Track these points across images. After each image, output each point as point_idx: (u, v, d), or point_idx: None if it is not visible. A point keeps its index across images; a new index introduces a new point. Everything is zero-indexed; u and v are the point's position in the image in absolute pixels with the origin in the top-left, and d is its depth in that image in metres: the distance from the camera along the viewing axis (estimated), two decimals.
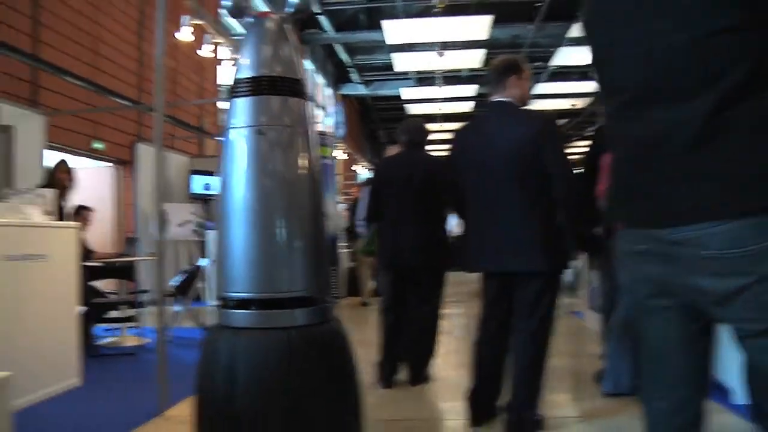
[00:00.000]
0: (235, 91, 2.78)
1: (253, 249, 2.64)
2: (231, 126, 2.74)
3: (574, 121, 22.66)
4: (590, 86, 17.69)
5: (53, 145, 7.26)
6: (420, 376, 4.26)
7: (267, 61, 2.75)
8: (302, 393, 2.52)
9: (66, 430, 3.46)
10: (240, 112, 2.71)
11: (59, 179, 5.58)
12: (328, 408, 2.58)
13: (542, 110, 4.09)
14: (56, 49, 7.61)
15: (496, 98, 3.32)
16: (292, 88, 2.75)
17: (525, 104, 3.37)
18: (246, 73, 2.73)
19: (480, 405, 3.34)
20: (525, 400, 3.16)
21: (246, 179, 2.67)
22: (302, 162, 2.74)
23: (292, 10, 2.88)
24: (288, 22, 2.87)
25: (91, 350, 5.30)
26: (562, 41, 14.82)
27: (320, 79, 18.94)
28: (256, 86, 2.70)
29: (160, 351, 3.69)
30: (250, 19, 2.90)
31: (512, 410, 3.17)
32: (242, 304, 2.65)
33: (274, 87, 2.71)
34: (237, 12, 2.94)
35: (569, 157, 3.41)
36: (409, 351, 4.29)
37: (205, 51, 9.76)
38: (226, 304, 2.72)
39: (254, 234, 2.65)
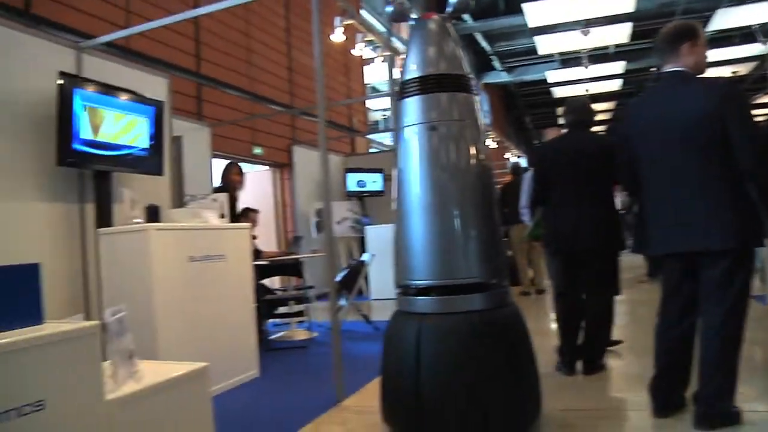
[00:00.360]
0: (404, 91, 2.96)
1: (432, 239, 2.85)
2: (404, 125, 2.96)
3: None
4: (754, 49, 16.15)
5: (218, 153, 7.76)
6: (595, 365, 4.06)
7: (433, 61, 2.92)
8: (482, 372, 2.70)
9: (252, 417, 3.67)
10: (411, 111, 2.93)
11: (232, 180, 5.92)
12: (506, 386, 2.74)
13: (720, 77, 3.79)
14: (215, 64, 8.12)
15: (669, 68, 3.07)
16: (458, 83, 2.91)
17: (701, 73, 3.08)
18: (414, 74, 2.93)
19: (664, 395, 3.12)
20: (715, 391, 2.87)
21: (421, 174, 2.89)
22: (473, 154, 2.91)
23: (451, 9, 3.02)
24: (449, 21, 3.03)
25: (264, 344, 5.59)
26: (720, 2, 13.61)
27: None
28: (425, 85, 2.89)
29: (335, 343, 3.81)
30: (412, 22, 3.06)
31: (700, 402, 2.92)
32: (423, 291, 2.88)
33: (441, 84, 2.88)
34: (399, 16, 3.14)
35: (757, 124, 3.09)
36: (583, 340, 4.11)
37: (357, 50, 10.01)
38: (408, 291, 2.96)
39: (432, 225, 2.86)
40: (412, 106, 2.94)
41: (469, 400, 2.69)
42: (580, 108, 4.19)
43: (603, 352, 4.13)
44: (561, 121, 4.22)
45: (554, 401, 3.43)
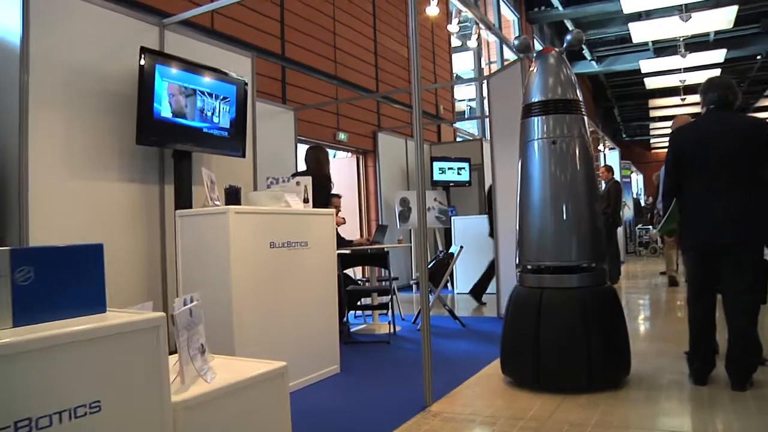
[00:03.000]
0: (529, 112, 3.90)
1: (548, 229, 3.76)
2: (529, 139, 3.91)
3: None
4: None
5: (302, 138, 7.57)
6: (744, 379, 3.49)
7: (552, 88, 3.82)
8: (587, 333, 3.57)
9: (333, 420, 3.37)
10: (535, 128, 3.87)
11: (317, 158, 5.63)
12: (604, 344, 3.60)
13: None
14: (300, 48, 7.92)
15: None
16: (571, 106, 3.81)
17: None
18: (537, 98, 3.86)
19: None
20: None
21: (542, 178, 3.81)
22: (581, 162, 3.79)
23: (566, 45, 3.90)
24: (563, 53, 3.92)
25: (344, 337, 5.33)
26: None
27: None
28: (546, 108, 3.82)
29: (425, 343, 3.47)
30: (534, 54, 4.02)
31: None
32: (541, 269, 3.81)
33: (558, 107, 3.79)
34: (524, 48, 4.17)
35: None
36: (730, 349, 3.54)
37: (453, 26, 9.68)
38: (528, 269, 3.88)
39: (549, 217, 3.77)
40: (536, 124, 3.86)
41: (577, 353, 3.57)
42: (725, 85, 3.64)
43: (754, 366, 3.53)
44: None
45: (667, 420, 2.97)
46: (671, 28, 14.35)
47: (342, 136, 8.66)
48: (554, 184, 3.74)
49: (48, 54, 3.76)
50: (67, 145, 3.86)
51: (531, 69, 3.95)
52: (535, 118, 3.83)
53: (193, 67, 4.40)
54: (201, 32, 5.76)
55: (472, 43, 14.11)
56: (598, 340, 3.54)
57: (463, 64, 14.93)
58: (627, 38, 15.97)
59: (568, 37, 3.85)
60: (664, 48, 17.18)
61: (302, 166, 5.97)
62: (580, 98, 3.85)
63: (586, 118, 3.86)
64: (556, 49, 3.89)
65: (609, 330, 3.64)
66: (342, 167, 9.36)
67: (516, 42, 4.13)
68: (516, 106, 6.16)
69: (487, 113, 7.09)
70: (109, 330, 1.58)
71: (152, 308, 2.31)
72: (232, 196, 3.72)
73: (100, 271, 1.76)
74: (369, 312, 6.42)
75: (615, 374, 3.69)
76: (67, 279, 1.64)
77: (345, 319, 5.74)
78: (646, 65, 18.04)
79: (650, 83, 19.90)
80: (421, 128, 3.51)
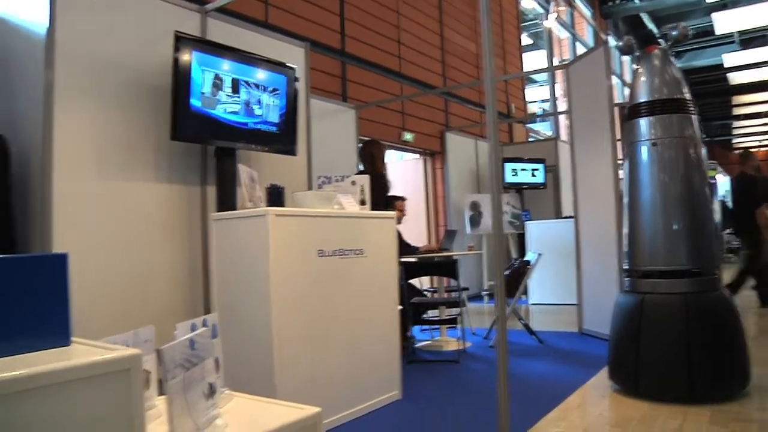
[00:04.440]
0: (635, 113, 3.77)
1: (656, 232, 3.62)
2: (635, 140, 3.77)
3: None
4: None
5: (364, 138, 7.09)
6: None
7: (657, 88, 3.72)
8: (691, 341, 3.40)
9: None
10: (641, 129, 3.74)
11: (369, 154, 5.11)
12: (711, 355, 3.40)
13: None
14: (362, 42, 7.47)
15: None
16: (679, 105, 3.67)
17: None
18: (643, 98, 3.75)
19: None
20: None
21: (650, 181, 3.68)
22: (691, 164, 3.63)
23: (671, 41, 3.84)
24: (670, 50, 3.86)
25: (407, 354, 4.79)
26: None
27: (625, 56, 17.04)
28: (653, 108, 3.71)
29: (501, 369, 2.86)
30: (637, 53, 4.01)
31: None
32: (647, 274, 3.65)
33: (665, 107, 3.67)
34: (627, 49, 4.08)
35: None
36: None
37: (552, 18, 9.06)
38: (633, 274, 3.74)
39: (656, 222, 3.63)
40: (643, 125, 3.74)
41: (676, 362, 3.41)
42: None
43: None
44: None
45: None
46: (760, 16, 13.22)
47: (407, 136, 8.14)
48: (663, 186, 3.65)
49: (75, 45, 3.40)
50: (96, 142, 3.47)
51: (636, 69, 3.92)
52: (642, 120, 3.75)
53: (236, 54, 3.96)
54: (255, 26, 5.36)
55: (550, 22, 13.35)
56: (701, 349, 3.40)
57: (533, 64, 14.27)
58: (709, 30, 14.85)
59: (674, 32, 3.80)
60: (751, 39, 15.93)
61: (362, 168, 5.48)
62: (688, 96, 3.73)
63: (694, 117, 3.72)
64: (661, 47, 3.89)
65: (716, 338, 3.45)
66: (407, 169, 8.85)
67: (619, 43, 4.19)
68: (598, 98, 5.55)
69: (562, 111, 6.43)
70: (60, 375, 1.09)
71: (153, 334, 1.83)
72: (275, 196, 3.22)
73: (64, 290, 1.27)
74: (436, 326, 5.86)
75: (724, 386, 3.46)
76: (16, 300, 1.18)
77: (409, 333, 5.20)
78: (731, 59, 16.77)
79: (735, 78, 18.55)
80: (496, 125, 2.92)
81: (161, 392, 1.60)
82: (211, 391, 1.72)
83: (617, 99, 10.34)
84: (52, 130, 3.25)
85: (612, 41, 15.25)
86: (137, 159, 3.66)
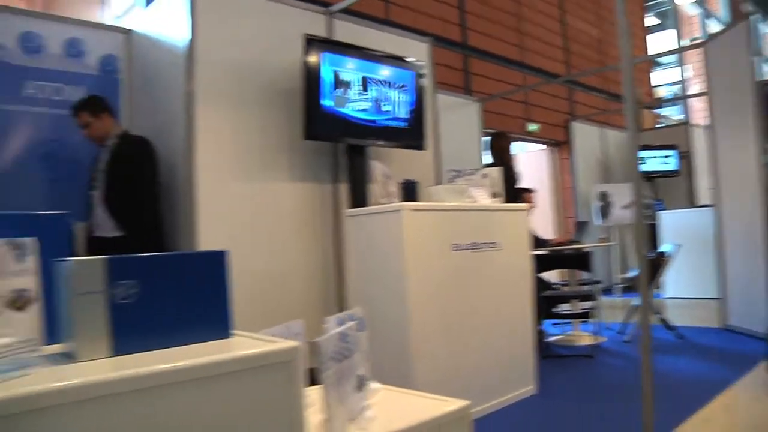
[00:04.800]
0: None
1: None
2: None
3: None
4: None
5: (488, 131, 7.02)
6: None
7: None
8: None
9: None
10: None
11: (498, 146, 5.04)
12: None
13: None
14: (482, 34, 7.39)
15: None
16: None
17: None
18: None
19: None
20: None
21: None
22: None
23: None
24: None
25: (541, 349, 4.69)
26: None
27: None
28: None
29: (645, 365, 2.74)
30: None
31: None
32: None
33: None
34: None
35: None
36: None
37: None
38: None
39: None
40: None
41: None
42: None
43: None
44: None
45: None
46: None
47: (532, 126, 7.97)
48: None
49: (213, 54, 3.61)
50: (234, 145, 3.66)
51: None
52: None
53: (363, 53, 4.04)
54: (376, 23, 5.44)
55: None
56: None
57: (658, 46, 13.53)
58: None
59: None
60: None
61: (489, 161, 5.43)
62: None
63: None
64: None
65: None
66: (532, 161, 8.67)
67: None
68: (741, 78, 5.16)
69: (696, 93, 6.04)
70: (224, 366, 1.15)
71: (302, 328, 1.91)
72: (409, 191, 3.27)
73: (223, 284, 1.36)
74: (567, 320, 5.70)
75: None
76: (181, 295, 1.26)
77: (540, 327, 5.10)
78: None
79: None
80: (635, 111, 2.80)
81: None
82: (361, 383, 1.77)
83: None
84: (195, 136, 3.46)
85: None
86: (272, 160, 3.82)
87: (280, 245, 3.76)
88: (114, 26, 4.61)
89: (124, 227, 3.45)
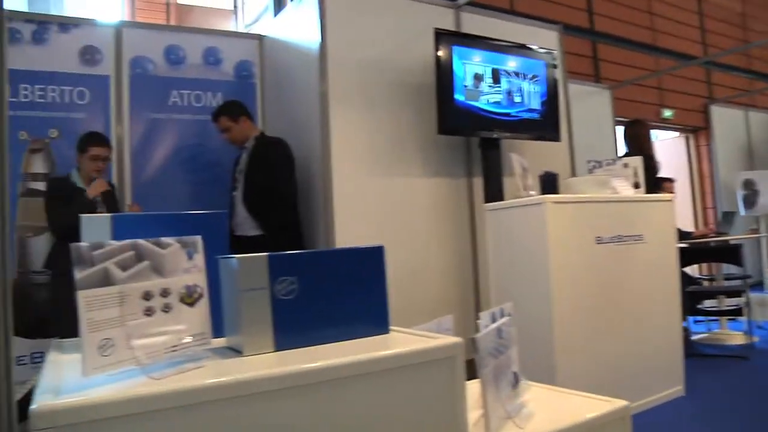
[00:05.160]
0: None
1: None
2: None
3: None
4: None
5: (620, 119, 6.71)
6: None
7: None
8: None
9: None
10: None
11: (634, 135, 4.79)
12: None
13: None
14: (611, 18, 7.07)
15: None
16: None
17: None
18: None
19: None
20: None
21: None
22: None
23: None
24: None
25: (684, 348, 4.42)
26: None
27: None
28: None
29: None
30: None
31: None
32: None
33: None
34: None
35: None
36: None
37: None
38: None
39: None
40: None
41: None
42: None
43: None
44: None
45: None
46: None
47: (667, 113, 7.54)
48: None
49: (343, 54, 3.66)
50: (367, 143, 3.70)
51: None
52: None
53: (493, 45, 3.97)
54: (502, 14, 5.34)
55: None
56: None
57: None
58: None
59: None
60: None
61: (622, 151, 5.17)
62: None
63: None
64: None
65: None
66: (667, 149, 8.20)
67: None
68: None
69: None
70: (389, 362, 1.15)
71: (452, 323, 1.88)
72: (549, 183, 3.16)
73: (382, 280, 1.35)
74: (713, 317, 5.35)
75: None
76: (339, 291, 1.27)
77: (683, 325, 4.81)
78: None
79: None
80: None
81: None
82: (516, 379, 1.72)
83: None
84: (330, 135, 3.52)
85: None
86: (406, 155, 3.82)
87: (415, 241, 3.77)
88: (247, 33, 4.81)
89: (264, 226, 3.57)
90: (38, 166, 3.78)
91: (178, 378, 1.00)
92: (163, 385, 0.96)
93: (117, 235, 1.30)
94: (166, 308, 1.11)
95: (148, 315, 1.07)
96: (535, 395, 1.85)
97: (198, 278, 1.17)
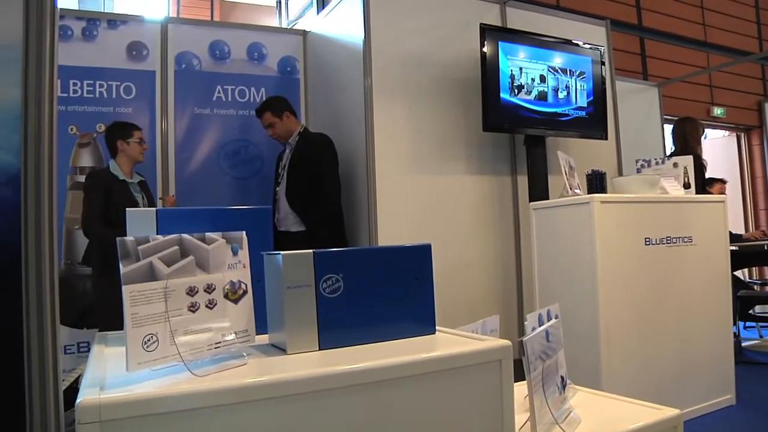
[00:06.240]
0: None
1: None
2: None
3: None
4: None
5: (669, 117, 6.53)
6: None
7: None
8: None
9: None
10: None
11: (681, 133, 4.64)
12: None
13: None
14: (660, 14, 6.89)
15: None
16: None
17: None
18: None
19: None
20: None
21: None
22: None
23: None
24: None
25: (735, 354, 4.27)
26: None
27: None
28: None
29: None
30: None
31: None
32: None
33: None
34: None
35: None
36: None
37: None
38: None
39: None
40: None
41: None
42: None
43: None
44: None
45: None
46: None
47: (718, 111, 7.32)
48: None
49: (388, 50, 3.63)
50: (411, 139, 3.66)
51: None
52: None
53: (540, 40, 3.89)
54: (548, 9, 5.24)
55: None
56: None
57: None
58: None
59: None
60: None
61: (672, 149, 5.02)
62: None
63: None
64: None
65: None
66: (717, 148, 7.95)
67: None
68: None
69: None
70: (437, 364, 1.12)
71: (498, 324, 1.84)
72: (597, 182, 3.09)
73: (429, 279, 1.32)
74: (765, 324, 5.18)
75: None
76: (385, 290, 1.24)
77: (734, 331, 4.66)
78: None
79: None
80: None
81: None
82: (564, 383, 1.67)
83: None
84: (373, 131, 3.49)
85: None
86: (449, 152, 3.78)
87: (458, 239, 3.72)
88: (292, 29, 4.82)
89: (307, 222, 3.57)
90: (86, 159, 3.85)
91: (220, 376, 0.99)
92: (206, 383, 0.95)
93: (161, 230, 1.29)
94: (210, 304, 1.10)
95: (192, 311, 1.06)
96: (583, 400, 1.80)
97: (242, 274, 1.16)
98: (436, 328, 1.33)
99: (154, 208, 1.37)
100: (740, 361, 4.37)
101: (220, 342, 1.09)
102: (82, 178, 3.69)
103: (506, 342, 1.20)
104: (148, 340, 0.99)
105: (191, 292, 1.07)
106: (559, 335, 1.72)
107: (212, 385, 0.94)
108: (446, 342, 1.24)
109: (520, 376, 1.38)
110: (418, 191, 3.64)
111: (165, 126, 4.05)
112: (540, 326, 1.66)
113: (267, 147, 4.13)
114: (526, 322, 1.67)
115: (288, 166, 3.69)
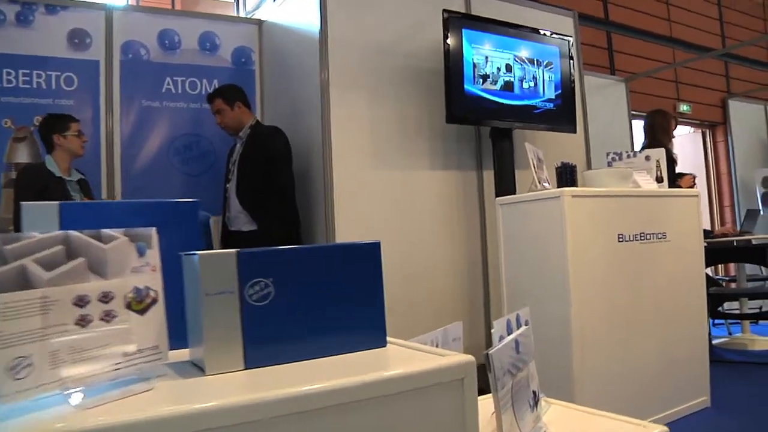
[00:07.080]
0: None
1: None
2: None
3: None
4: None
5: (636, 113, 6.46)
6: None
7: None
8: None
9: None
10: None
11: (651, 125, 4.52)
12: None
13: None
14: (626, 8, 6.83)
15: None
16: None
17: None
18: None
19: None
20: None
21: None
22: None
23: None
24: None
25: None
26: None
27: None
28: None
29: None
30: None
31: None
32: None
33: None
34: None
35: None
36: None
37: None
38: None
39: None
40: None
41: None
42: None
43: None
44: None
45: None
46: None
47: (684, 107, 7.28)
48: None
49: (346, 40, 3.45)
50: (370, 132, 3.48)
51: None
52: None
53: (506, 29, 3.73)
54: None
55: None
56: None
57: None
58: None
59: None
60: None
61: (639, 144, 4.92)
62: None
63: None
64: None
65: None
66: (683, 144, 7.94)
67: None
68: None
69: None
70: (386, 386, 0.91)
71: (461, 331, 1.65)
72: (567, 175, 2.93)
73: (378, 283, 1.11)
74: (735, 321, 5.11)
75: None
76: (325, 296, 1.03)
77: None
78: None
79: None
80: None
81: None
82: (536, 399, 1.49)
83: None
84: (330, 124, 3.31)
85: None
86: (411, 146, 3.60)
87: (421, 236, 3.54)
88: (246, 18, 4.60)
89: (259, 220, 3.36)
90: (22, 155, 3.57)
91: (115, 406, 0.77)
92: (90, 418, 0.72)
93: (66, 227, 1.06)
94: (107, 317, 0.87)
95: (82, 325, 0.85)
96: (558, 416, 1.62)
97: (151, 279, 0.94)
98: (388, 339, 1.12)
99: (57, 202, 1.14)
100: (711, 360, 4.28)
101: (119, 363, 0.87)
102: None
103: (469, 357, 0.99)
104: (17, 365, 0.77)
105: (80, 302, 0.85)
106: (530, 344, 1.54)
107: (98, 422, 0.72)
108: (399, 358, 1.03)
109: (487, 387, 1.20)
110: (379, 188, 3.45)
111: (110, 120, 3.78)
112: (509, 334, 1.47)
113: (220, 141, 3.90)
114: (492, 330, 1.48)
115: (238, 162, 3.47)
